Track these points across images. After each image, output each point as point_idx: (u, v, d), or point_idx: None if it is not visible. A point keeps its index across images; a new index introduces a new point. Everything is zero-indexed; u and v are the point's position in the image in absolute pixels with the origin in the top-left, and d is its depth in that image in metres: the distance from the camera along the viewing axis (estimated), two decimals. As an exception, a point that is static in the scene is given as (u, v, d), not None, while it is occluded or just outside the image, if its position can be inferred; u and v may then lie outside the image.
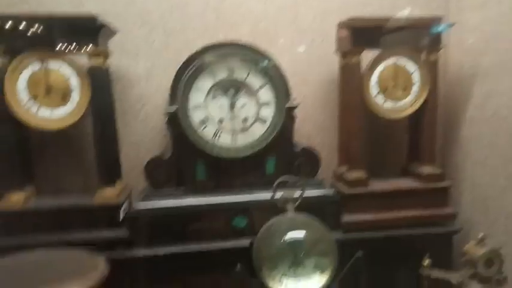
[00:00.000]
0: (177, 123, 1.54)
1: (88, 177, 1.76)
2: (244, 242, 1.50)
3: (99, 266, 1.18)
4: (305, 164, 1.68)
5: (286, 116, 1.60)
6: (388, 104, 1.70)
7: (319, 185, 1.68)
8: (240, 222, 1.57)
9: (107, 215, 1.52)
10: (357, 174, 1.68)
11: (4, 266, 1.18)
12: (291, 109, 1.63)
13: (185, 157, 1.59)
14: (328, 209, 1.61)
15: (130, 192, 1.73)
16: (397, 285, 1.66)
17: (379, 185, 1.71)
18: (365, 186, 1.67)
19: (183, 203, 1.56)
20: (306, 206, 1.49)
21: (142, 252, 1.51)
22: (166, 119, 1.58)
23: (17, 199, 1.49)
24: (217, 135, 1.58)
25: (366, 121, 1.73)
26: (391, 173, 1.87)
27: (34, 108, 1.48)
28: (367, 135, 1.82)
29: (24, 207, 1.49)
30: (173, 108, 1.54)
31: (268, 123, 1.60)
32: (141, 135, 1.83)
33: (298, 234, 1.29)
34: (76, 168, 1.76)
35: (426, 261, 1.49)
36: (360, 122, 1.67)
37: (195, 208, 1.55)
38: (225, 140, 1.58)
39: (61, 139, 1.74)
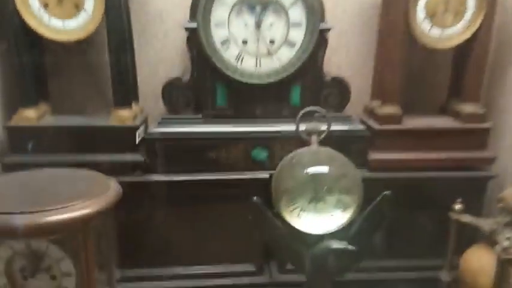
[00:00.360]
0: (197, 41, 1.41)
1: (105, 98, 1.68)
2: (262, 175, 1.43)
3: (111, 187, 1.12)
4: (334, 95, 1.53)
5: (318, 40, 1.43)
6: (435, 32, 1.49)
7: (348, 119, 1.55)
8: (260, 153, 1.48)
9: (122, 137, 1.46)
10: (390, 109, 1.53)
11: (15, 181, 1.15)
12: (324, 32, 1.45)
13: (205, 81, 1.47)
14: (355, 146, 1.49)
15: (147, 116, 1.66)
16: (423, 229, 1.58)
17: (413, 123, 1.56)
18: (398, 123, 1.53)
19: (201, 130, 1.47)
20: (332, 141, 1.38)
21: (157, 178, 1.46)
22: (186, 37, 1.44)
23: (30, 115, 1.44)
24: (240, 57, 1.44)
25: (407, 51, 1.54)
26: (428, 111, 1.71)
27: (45, 18, 1.37)
28: (406, 67, 1.63)
29: (37, 124, 1.44)
30: (193, 24, 1.39)
31: (297, 47, 1.44)
32: (160, 55, 1.70)
33: (321, 168, 1.19)
34: (93, 87, 1.68)
35: (457, 206, 1.39)
36: (400, 50, 1.48)
37: (212, 136, 1.46)
38: (248, 63, 1.45)
39: (77, 56, 1.64)
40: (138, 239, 1.50)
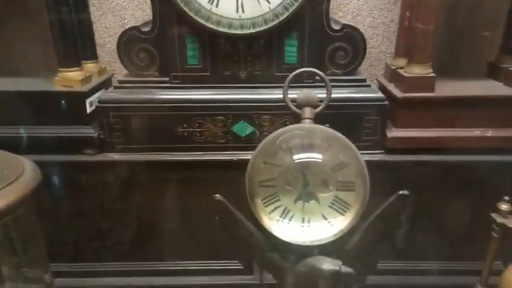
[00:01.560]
0: (156, -25, 1.05)
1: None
2: (247, 156, 1.10)
3: (24, 172, 0.83)
4: (344, 51, 1.15)
5: (320, -28, 1.04)
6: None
7: (361, 83, 1.17)
8: (244, 129, 1.14)
9: (69, 106, 1.15)
10: (419, 70, 1.14)
11: None
12: (330, -38, 1.06)
13: (170, 31, 1.11)
14: (369, 120, 1.12)
15: (110, 77, 1.34)
16: (453, 228, 1.22)
17: (449, 89, 1.17)
18: (429, 89, 1.14)
19: (167, 98, 1.13)
20: (336, 115, 1.03)
21: (113, 157, 1.16)
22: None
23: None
24: (214, -1, 1.07)
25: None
26: (471, 73, 1.30)
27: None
28: (443, 12, 1.22)
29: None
30: (149, -48, 1.03)
31: (291, -16, 1.05)
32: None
33: (314, 154, 0.85)
34: (41, 45, 1.36)
35: (504, 205, 1.03)
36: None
37: (183, 105, 1.13)
38: (226, 7, 1.07)
39: (22, 4, 1.32)
40: (91, 230, 1.22)
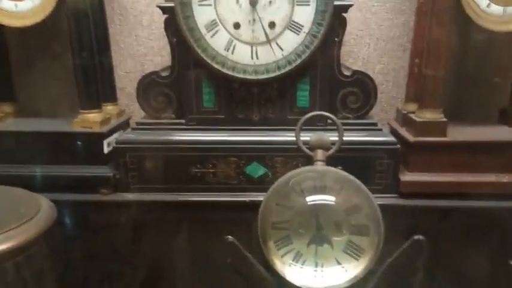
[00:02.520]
0: (176, 25, 1.11)
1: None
2: (260, 197, 1.11)
3: (41, 210, 0.85)
4: (355, 96, 1.18)
5: (332, 20, 1.09)
6: (494, 10, 1.10)
7: (373, 127, 1.19)
8: (257, 170, 1.15)
9: (87, 146, 1.18)
10: (431, 115, 1.15)
11: None
12: (342, 10, 1.11)
13: (187, 76, 1.16)
14: (382, 163, 1.13)
15: (128, 119, 1.38)
16: (471, 276, 1.18)
17: (461, 133, 1.18)
18: (441, 133, 1.15)
19: (183, 139, 1.16)
20: (348, 158, 1.04)
21: (127, 197, 1.17)
22: (164, 20, 1.15)
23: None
24: (231, 46, 1.12)
25: (454, 37, 1.16)
26: (482, 118, 1.31)
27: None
28: (454, 58, 1.26)
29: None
30: (170, 3, 1.10)
31: (304, 32, 1.10)
32: (146, 44, 1.43)
33: (327, 196, 0.85)
34: (63, 86, 1.42)
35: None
36: (446, 35, 1.10)
37: (197, 147, 1.15)
38: (241, 53, 1.12)
39: (48, 49, 1.40)
40: (103, 271, 1.21)
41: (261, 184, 1.14)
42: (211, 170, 1.16)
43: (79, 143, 1.17)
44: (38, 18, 1.14)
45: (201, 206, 1.17)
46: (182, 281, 1.23)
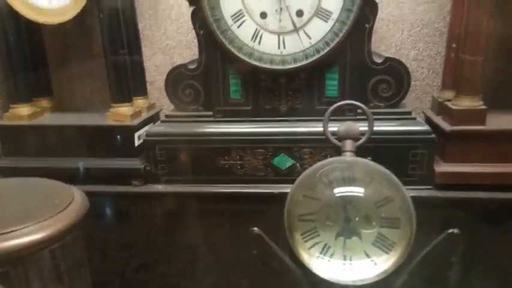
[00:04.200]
0: (202, 17, 1.10)
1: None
2: (286, 189, 1.09)
3: (73, 202, 0.87)
4: (387, 84, 1.13)
5: (362, 7, 1.05)
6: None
7: (406, 116, 1.14)
8: (283, 161, 1.14)
9: (119, 139, 1.21)
10: (469, 102, 1.09)
11: None
12: (371, -3, 1.07)
13: (214, 68, 1.16)
14: (416, 153, 1.08)
15: (158, 112, 1.40)
16: (510, 271, 1.12)
17: (502, 122, 1.11)
18: (480, 122, 1.09)
19: (210, 131, 1.16)
20: (380, 148, 1.01)
21: (156, 188, 1.19)
22: (191, 11, 1.15)
23: (21, 113, 1.25)
24: (258, 36, 1.10)
25: (493, 19, 1.09)
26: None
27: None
28: (495, 42, 1.18)
29: (26, 123, 1.24)
30: (196, -5, 1.10)
31: (333, 19, 1.06)
32: (175, 39, 1.44)
33: (356, 188, 0.83)
34: (97, 82, 1.46)
35: None
36: (486, 17, 1.04)
37: (224, 139, 1.15)
38: (268, 43, 1.10)
39: (81, 46, 1.44)
40: (135, 261, 1.25)
41: (288, 176, 1.13)
42: (238, 162, 1.16)
43: (113, 135, 1.20)
44: (70, 15, 1.17)
45: (228, 197, 1.17)
46: (210, 270, 1.24)
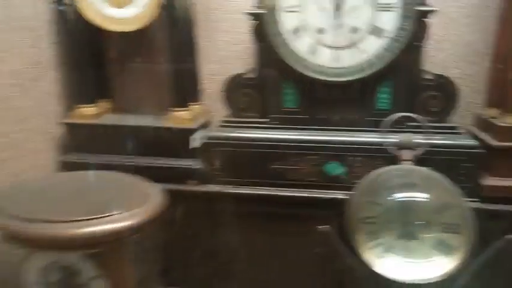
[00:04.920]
0: (263, 31, 1.18)
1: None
2: (337, 195, 1.16)
3: (155, 196, 0.94)
4: (436, 99, 1.19)
5: (415, 25, 1.12)
6: None
7: (454, 131, 1.19)
8: (335, 169, 1.20)
9: (177, 140, 1.29)
10: (514, 120, 1.15)
11: (52, 184, 1.03)
12: (424, 16, 1.13)
13: (272, 77, 1.23)
14: (464, 167, 1.13)
15: (210, 118, 1.47)
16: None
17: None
18: (526, 138, 1.14)
19: (265, 137, 1.23)
20: (429, 160, 1.06)
21: (211, 188, 1.26)
22: (251, 25, 1.23)
23: (85, 113, 1.34)
24: (314, 50, 1.18)
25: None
26: None
27: (98, 4, 1.25)
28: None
29: (91, 122, 1.34)
30: (259, 9, 1.17)
31: (387, 36, 1.14)
32: (227, 49, 1.51)
33: (416, 194, 0.88)
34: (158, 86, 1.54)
35: None
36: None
37: (279, 145, 1.22)
38: (324, 57, 1.18)
39: (143, 50, 1.52)
40: (186, 255, 1.31)
41: (339, 182, 1.19)
42: (291, 167, 1.22)
43: (171, 137, 1.27)
44: (140, 23, 1.26)
45: (279, 200, 1.23)
46: (260, 272, 1.30)
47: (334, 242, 0.88)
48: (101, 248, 0.83)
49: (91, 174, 1.05)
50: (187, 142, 1.28)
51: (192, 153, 1.29)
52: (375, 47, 1.15)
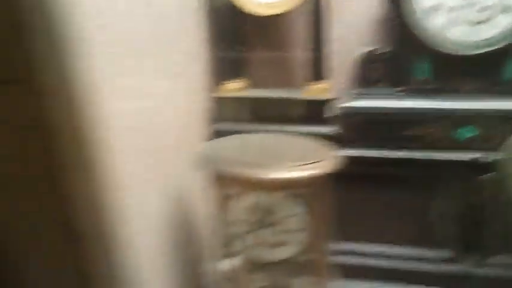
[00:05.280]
0: (399, 9, 1.34)
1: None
2: (468, 156, 1.32)
3: (332, 152, 1.10)
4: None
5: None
6: None
7: None
8: (466, 133, 1.34)
9: (315, 110, 1.46)
10: None
11: (249, 141, 1.20)
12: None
13: (405, 51, 1.38)
14: None
15: (339, 90, 1.62)
16: None
17: None
18: None
19: (397, 106, 1.39)
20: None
21: (348, 152, 1.42)
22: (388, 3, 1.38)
23: (232, 88, 1.53)
24: (447, 26, 1.33)
25: None
26: None
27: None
28: None
29: (238, 95, 1.52)
30: (399, -10, 1.33)
31: (517, 13, 1.27)
32: (353, 27, 1.60)
33: None
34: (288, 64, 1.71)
35: None
36: None
37: (409, 112, 1.37)
38: (455, 32, 1.32)
39: (277, 32, 1.68)
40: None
41: (470, 144, 1.33)
42: (422, 134, 1.37)
43: (309, 107, 1.46)
44: (287, 7, 1.42)
45: (414, 163, 1.38)
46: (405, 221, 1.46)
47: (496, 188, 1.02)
48: (308, 188, 1.00)
49: (276, 135, 1.22)
50: (321, 111, 1.44)
51: (327, 121, 1.45)
52: (503, 24, 1.29)
